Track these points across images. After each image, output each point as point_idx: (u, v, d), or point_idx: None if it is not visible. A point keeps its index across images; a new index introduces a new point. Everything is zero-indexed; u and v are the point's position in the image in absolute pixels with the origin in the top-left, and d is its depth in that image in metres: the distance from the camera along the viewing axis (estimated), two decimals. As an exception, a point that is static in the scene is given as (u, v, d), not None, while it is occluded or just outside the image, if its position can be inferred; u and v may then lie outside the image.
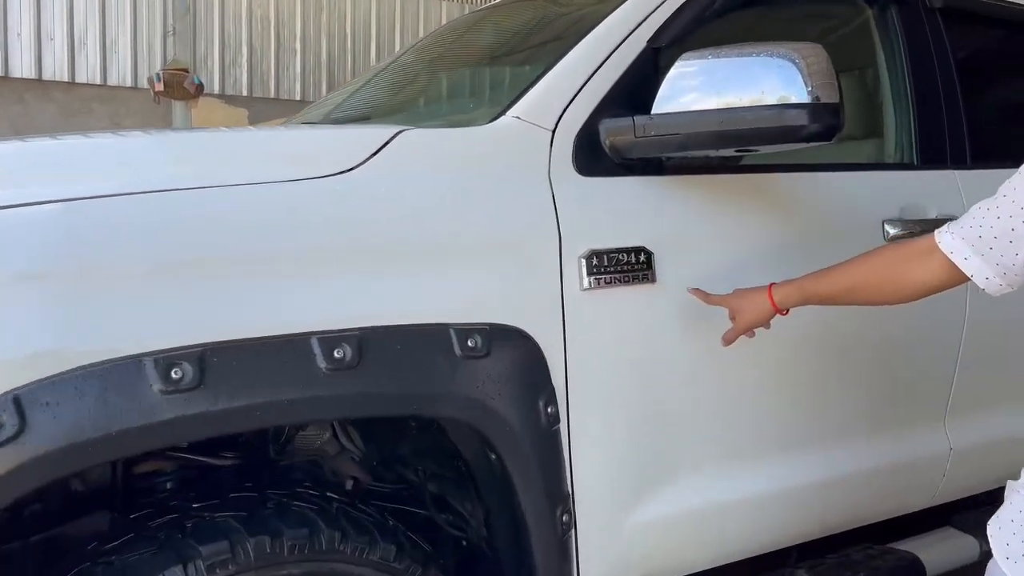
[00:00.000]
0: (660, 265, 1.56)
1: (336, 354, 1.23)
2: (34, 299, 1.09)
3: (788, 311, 1.53)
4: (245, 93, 5.30)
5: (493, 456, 1.43)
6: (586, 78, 1.59)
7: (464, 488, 1.69)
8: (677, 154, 1.57)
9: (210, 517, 1.25)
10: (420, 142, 1.46)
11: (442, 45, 2.49)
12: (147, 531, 1.24)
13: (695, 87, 1.52)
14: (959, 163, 2.06)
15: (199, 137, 1.53)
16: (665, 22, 1.69)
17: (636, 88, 1.60)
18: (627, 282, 1.53)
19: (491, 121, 1.54)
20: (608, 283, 1.51)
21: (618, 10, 1.71)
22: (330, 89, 5.63)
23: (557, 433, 1.46)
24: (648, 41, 1.67)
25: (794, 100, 1.44)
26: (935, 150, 2.05)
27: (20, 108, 4.88)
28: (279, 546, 1.22)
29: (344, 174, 1.35)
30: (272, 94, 5.40)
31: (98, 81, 4.97)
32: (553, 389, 1.45)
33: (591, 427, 1.51)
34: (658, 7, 1.71)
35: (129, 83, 5.03)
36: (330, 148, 1.43)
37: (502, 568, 1.60)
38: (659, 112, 1.53)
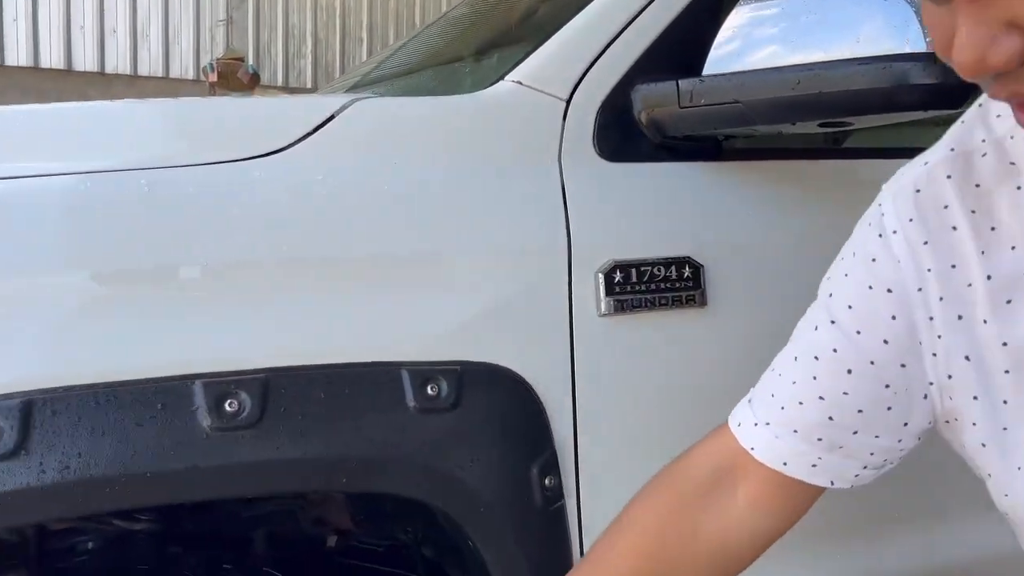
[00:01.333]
0: (712, 283, 1.14)
1: (227, 407, 0.88)
2: None
3: None
4: (309, 84, 5.09)
5: (469, 543, 1.05)
6: (618, 29, 1.19)
7: (460, 558, 1.32)
8: (738, 130, 1.15)
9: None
10: (379, 115, 1.09)
11: (472, 6, 2.11)
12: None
13: (764, 38, 1.10)
14: None
15: (112, 108, 1.21)
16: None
17: (683, 43, 1.18)
18: (665, 305, 1.12)
19: (484, 88, 1.16)
20: (637, 306, 1.10)
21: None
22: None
23: (561, 512, 1.06)
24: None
25: (908, 50, 1.00)
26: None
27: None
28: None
29: (266, 157, 0.99)
30: (337, 86, 5.18)
31: (160, 74, 4.85)
32: (555, 452, 1.05)
33: (610, 503, 1.10)
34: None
35: (191, 75, 4.89)
36: (259, 123, 1.08)
37: None
38: (713, 73, 1.11)
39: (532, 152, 1.11)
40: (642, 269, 1.11)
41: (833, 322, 0.75)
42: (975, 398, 0.68)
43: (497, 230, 1.06)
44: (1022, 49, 0.48)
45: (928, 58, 0.98)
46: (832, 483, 0.77)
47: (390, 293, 0.98)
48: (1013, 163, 0.66)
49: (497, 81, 1.16)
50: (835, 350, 0.74)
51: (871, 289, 0.72)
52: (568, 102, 1.14)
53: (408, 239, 1.01)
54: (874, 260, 0.72)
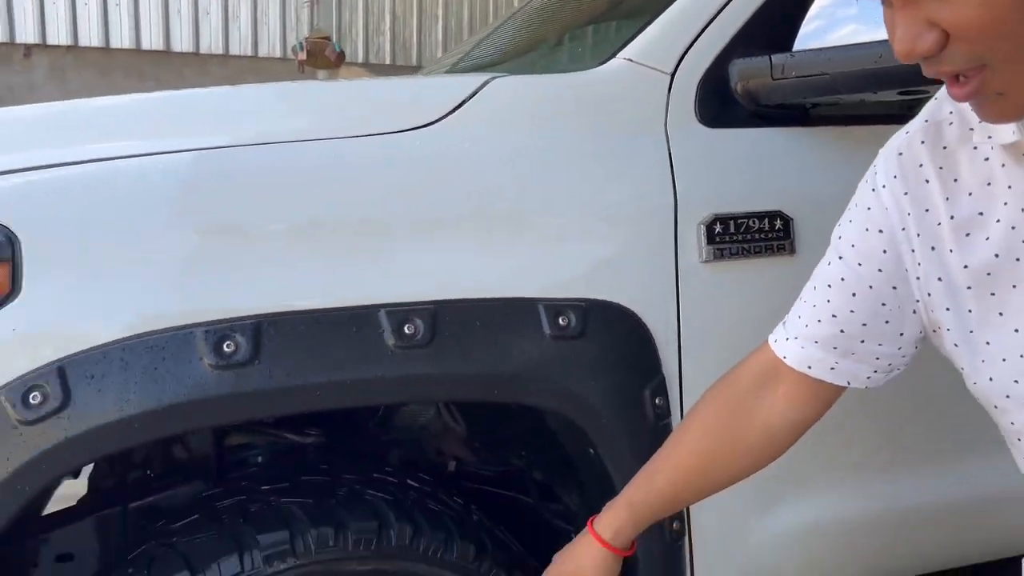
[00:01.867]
0: (801, 234, 1.31)
1: (406, 330, 1.09)
2: (87, 265, 1.01)
3: (633, 546, 1.11)
4: (388, 61, 5.30)
5: (591, 451, 1.25)
6: (716, 11, 1.35)
7: (571, 478, 1.52)
8: (825, 99, 1.30)
9: (275, 502, 1.15)
10: (514, 91, 1.28)
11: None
12: (212, 513, 1.16)
13: (851, 16, 1.25)
14: None
15: (268, 90, 1.43)
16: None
17: (776, 21, 1.34)
18: (758, 253, 1.29)
19: (598, 65, 1.34)
20: (734, 254, 1.28)
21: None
22: (471, 55, 5.53)
23: (667, 428, 1.25)
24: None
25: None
26: None
27: (180, 82, 5.12)
28: (343, 539, 1.11)
29: (422, 128, 1.19)
30: (414, 61, 5.38)
31: (249, 53, 5.12)
32: (663, 377, 1.24)
33: (709, 422, 1.29)
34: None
35: (278, 54, 5.15)
36: (408, 100, 1.28)
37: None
38: (803, 48, 1.27)
39: (642, 121, 1.29)
40: (739, 221, 1.28)
41: (840, 258, 0.95)
42: (947, 309, 0.88)
43: (614, 190, 1.24)
44: (938, 41, 0.69)
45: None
46: (848, 383, 0.99)
47: (529, 242, 1.18)
48: (971, 128, 0.85)
49: (610, 59, 1.33)
50: (842, 279, 0.94)
51: (867, 231, 0.93)
52: (672, 76, 1.31)
53: (540, 198, 1.20)
54: (869, 208, 0.93)
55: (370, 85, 1.51)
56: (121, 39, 4.89)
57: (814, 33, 1.29)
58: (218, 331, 1.02)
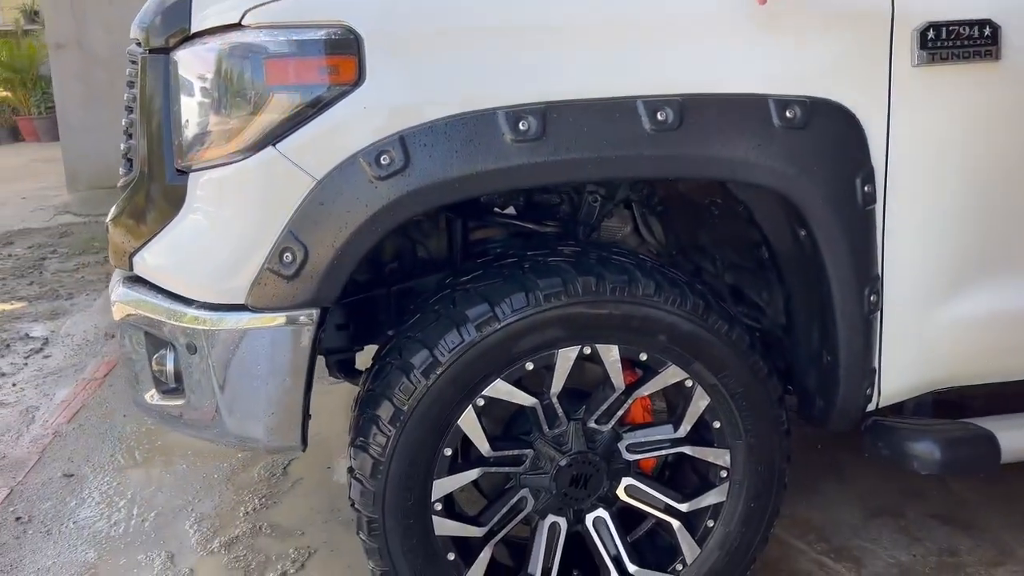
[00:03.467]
0: (1007, 41, 1.43)
1: (659, 116, 1.31)
2: (416, 59, 1.28)
3: None
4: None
5: (803, 232, 1.46)
6: None
7: (762, 276, 1.75)
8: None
9: (544, 261, 1.43)
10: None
11: None
12: (493, 269, 1.46)
13: None
14: None
15: None
16: None
17: None
18: (967, 59, 1.42)
19: None
20: (944, 59, 1.41)
21: None
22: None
23: (872, 213, 1.45)
24: None
25: None
26: None
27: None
28: (602, 287, 1.38)
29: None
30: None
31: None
32: (872, 168, 1.43)
33: (909, 212, 1.47)
34: None
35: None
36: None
37: (797, 352, 1.66)
38: None
39: (864, -64, 1.42)
40: (950, 28, 1.41)
41: None
42: None
43: (838, -2, 1.39)
44: None
45: None
46: None
47: (762, 43, 1.36)
48: None
49: None
50: None
51: None
52: None
53: (775, 3, 1.37)
54: None
55: None
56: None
57: None
58: (515, 113, 1.28)
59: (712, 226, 1.84)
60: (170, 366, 1.45)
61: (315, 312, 1.34)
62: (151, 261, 1.49)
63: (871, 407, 1.61)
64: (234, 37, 1.32)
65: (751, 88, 1.36)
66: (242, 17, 1.30)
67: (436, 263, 1.82)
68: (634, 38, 1.34)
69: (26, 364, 3.07)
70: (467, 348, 1.35)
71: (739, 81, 1.36)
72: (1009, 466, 1.65)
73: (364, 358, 1.70)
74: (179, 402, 1.46)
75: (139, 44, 1.54)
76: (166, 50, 1.43)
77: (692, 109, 1.33)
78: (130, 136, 1.60)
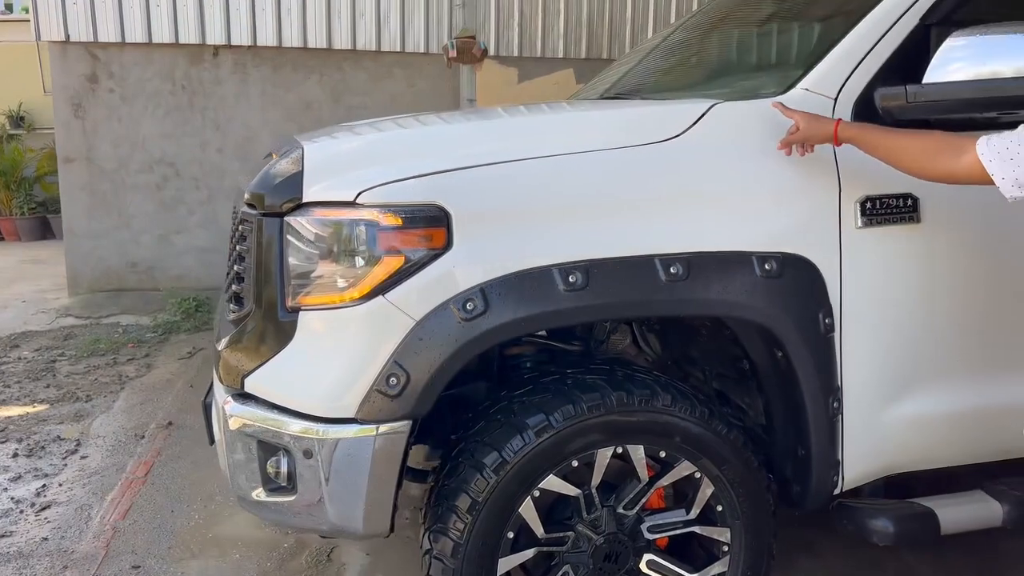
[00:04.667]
0: (924, 208, 1.91)
1: (671, 270, 1.75)
2: (491, 230, 1.70)
3: (840, 144, 1.81)
4: (516, 53, 5.94)
5: (780, 354, 1.88)
6: (865, 53, 1.94)
7: (744, 384, 2.16)
8: (944, 116, 1.89)
9: (582, 378, 1.82)
10: (729, 112, 1.91)
11: (712, 24, 2.89)
12: (541, 384, 1.85)
13: (962, 59, 1.83)
14: None
15: (560, 117, 2.09)
16: (932, 6, 1.98)
17: (908, 61, 1.92)
18: (896, 222, 1.90)
19: (784, 92, 1.95)
20: (879, 222, 1.89)
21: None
22: (589, 46, 6.12)
23: (832, 339, 1.88)
24: (921, 19, 1.97)
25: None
26: None
27: (339, 75, 5.87)
28: (631, 399, 1.78)
29: (672, 139, 1.84)
30: (539, 53, 6.00)
31: (398, 49, 5.82)
32: (830, 306, 1.87)
33: (860, 337, 1.91)
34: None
35: (422, 49, 5.84)
36: (658, 120, 1.91)
37: (775, 447, 2.06)
38: (930, 82, 1.86)
39: (815, 132, 1.90)
40: (883, 199, 1.88)
41: None
42: None
43: (802, 177, 1.86)
44: None
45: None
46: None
47: (747, 214, 1.81)
48: None
49: (792, 87, 1.94)
50: None
51: None
52: (835, 100, 1.92)
53: (755, 184, 1.83)
54: None
55: (630, 112, 2.12)
56: (291, 39, 5.65)
57: (938, 68, 1.87)
58: (566, 269, 1.70)
59: (701, 343, 2.27)
60: (284, 468, 1.79)
61: (410, 423, 1.71)
62: (264, 382, 1.84)
63: (837, 491, 2.02)
64: (350, 212, 1.72)
65: (740, 247, 1.81)
66: (356, 196, 1.71)
67: (477, 374, 2.20)
68: (652, 211, 1.78)
69: (66, 465, 3.31)
70: (529, 450, 1.73)
71: (731, 242, 1.81)
72: (950, 538, 2.06)
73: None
74: (289, 499, 1.79)
75: (251, 206, 1.93)
76: (280, 214, 1.83)
77: (696, 264, 1.77)
78: (241, 280, 1.97)
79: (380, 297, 1.69)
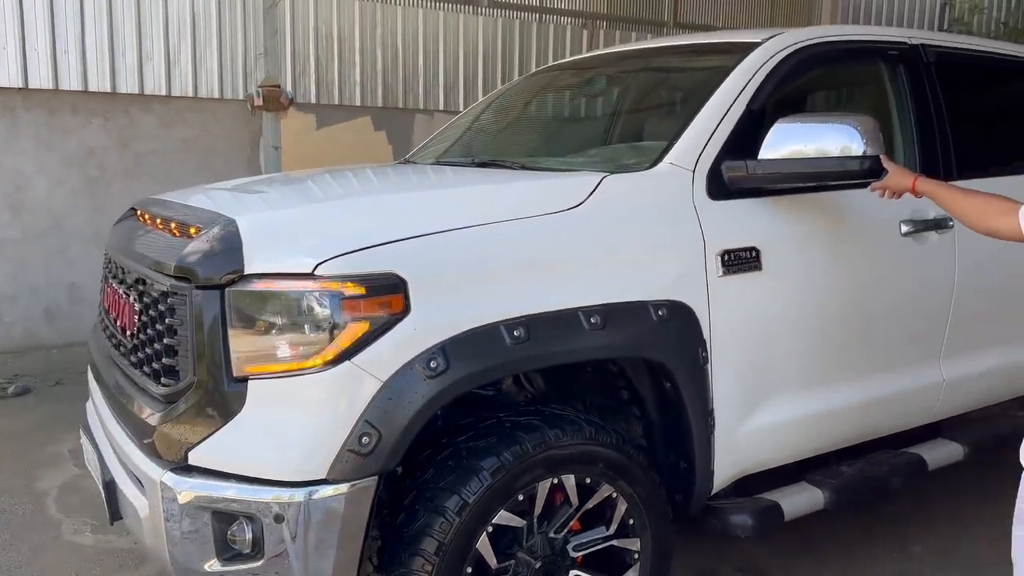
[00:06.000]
0: (764, 258, 2.37)
1: (592, 320, 2.03)
2: (443, 293, 1.87)
3: (919, 196, 2.28)
4: (314, 101, 5.99)
5: (668, 384, 2.24)
6: (711, 134, 2.39)
7: (623, 412, 2.50)
8: (775, 185, 2.38)
9: (519, 420, 2.05)
10: (617, 183, 2.26)
11: (551, 93, 3.29)
12: (482, 429, 2.04)
13: (788, 141, 2.33)
14: (950, 175, 2.88)
15: (481, 190, 2.32)
16: (753, 95, 2.48)
17: (744, 140, 2.40)
18: (745, 270, 2.34)
19: (652, 166, 2.34)
20: (734, 271, 2.32)
21: (725, 83, 2.50)
22: (386, 95, 6.34)
23: (707, 369, 2.27)
24: (747, 105, 2.46)
25: (854, 152, 2.26)
26: (933, 166, 2.87)
27: (126, 120, 5.54)
28: (565, 435, 2.03)
29: (577, 207, 2.14)
30: (336, 101, 6.10)
31: (190, 94, 5.64)
32: (704, 341, 2.26)
33: (724, 365, 2.32)
34: (748, 83, 2.50)
35: (217, 95, 5.70)
36: (560, 192, 2.21)
37: (658, 464, 2.42)
38: (763, 158, 2.34)
39: (681, 198, 2.30)
40: (736, 252, 2.32)
41: None
42: None
43: (677, 236, 2.24)
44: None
45: (862, 158, 2.24)
46: None
47: (640, 270, 2.15)
48: None
49: (659, 162, 2.34)
50: None
51: None
52: (694, 171, 2.34)
53: (642, 245, 2.18)
54: None
55: (538, 185, 2.37)
56: (70, 81, 5.26)
57: (770, 147, 2.35)
58: (510, 325, 1.92)
59: (583, 381, 2.59)
60: (248, 535, 1.81)
61: (378, 478, 1.82)
62: (213, 453, 1.85)
63: (710, 496, 2.41)
64: (309, 283, 1.81)
65: (639, 297, 2.14)
66: (315, 268, 1.81)
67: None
68: (571, 269, 2.06)
69: None
70: (486, 490, 1.91)
71: (632, 293, 2.13)
72: (791, 524, 2.54)
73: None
74: (253, 564, 1.82)
75: (183, 280, 1.93)
76: (220, 286, 1.86)
77: (610, 314, 2.07)
78: (174, 353, 1.95)
79: (347, 362, 1.80)
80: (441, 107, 6.57)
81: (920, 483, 3.06)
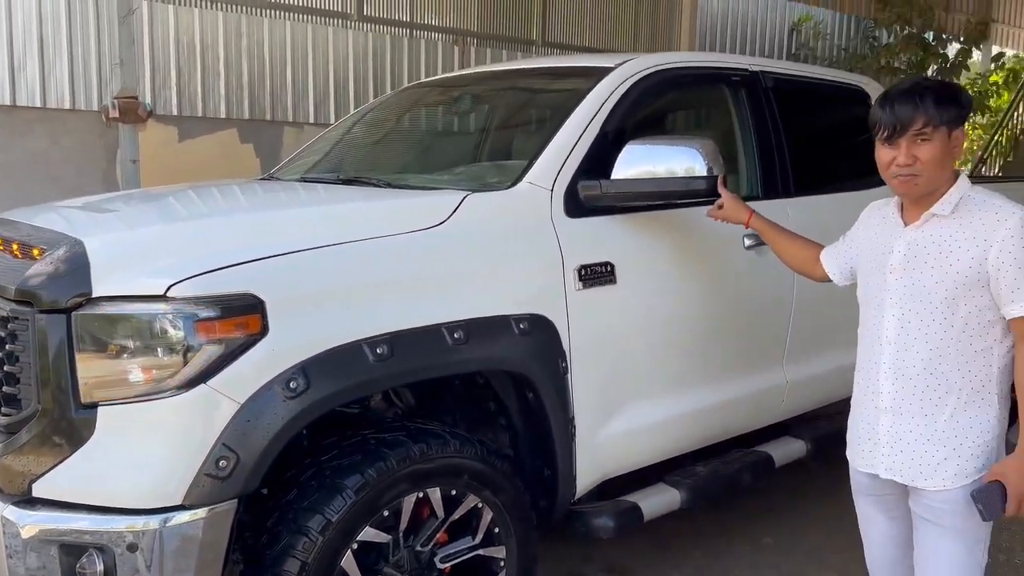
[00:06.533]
0: (619, 271, 2.50)
1: (455, 335, 2.09)
2: (303, 313, 1.87)
3: (749, 228, 2.51)
4: (176, 112, 5.78)
5: (531, 395, 2.32)
6: (567, 155, 2.50)
7: (491, 423, 2.56)
8: (625, 203, 2.51)
9: (384, 437, 2.07)
10: (479, 202, 2.32)
11: (419, 110, 3.34)
12: (347, 447, 2.04)
13: (638, 162, 2.47)
14: (787, 194, 3.13)
15: (343, 209, 2.33)
16: (607, 117, 2.62)
17: (599, 160, 2.52)
18: (601, 284, 2.46)
19: (513, 186, 2.43)
20: (590, 285, 2.43)
21: (580, 107, 2.62)
22: (252, 108, 6.20)
23: (567, 379, 2.37)
24: (601, 127, 2.59)
25: (696, 173, 2.42)
26: (772, 185, 3.11)
27: (-36, 131, 5.17)
28: (430, 449, 2.07)
29: (439, 225, 2.19)
30: (200, 113, 5.91)
31: (38, 104, 5.33)
32: (564, 352, 2.36)
33: (583, 375, 2.42)
34: (601, 107, 2.63)
35: (68, 105, 5.42)
36: (425, 210, 2.25)
37: (524, 472, 2.49)
38: (616, 178, 2.46)
39: (540, 216, 2.39)
40: (591, 267, 2.43)
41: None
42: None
43: (537, 252, 2.33)
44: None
45: (704, 178, 2.40)
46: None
47: (501, 285, 2.22)
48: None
49: (519, 182, 2.43)
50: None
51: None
52: (551, 190, 2.44)
53: (503, 262, 2.25)
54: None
55: (401, 203, 2.39)
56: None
57: (622, 167, 2.48)
58: (373, 342, 1.94)
59: (450, 395, 2.63)
60: (99, 567, 1.75)
61: (236, 501, 1.80)
62: (60, 483, 1.78)
63: (573, 501, 2.51)
64: (161, 305, 1.77)
65: (501, 312, 2.21)
66: (167, 290, 1.77)
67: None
68: (434, 286, 2.11)
69: None
70: (349, 508, 1.92)
71: (494, 308, 2.20)
72: (651, 524, 2.67)
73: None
74: (106, 598, 1.75)
75: (25, 304, 1.84)
76: (65, 310, 1.80)
77: (473, 329, 2.13)
78: (15, 381, 1.85)
79: (202, 385, 1.77)
80: (311, 120, 6.48)
81: (769, 479, 3.27)
